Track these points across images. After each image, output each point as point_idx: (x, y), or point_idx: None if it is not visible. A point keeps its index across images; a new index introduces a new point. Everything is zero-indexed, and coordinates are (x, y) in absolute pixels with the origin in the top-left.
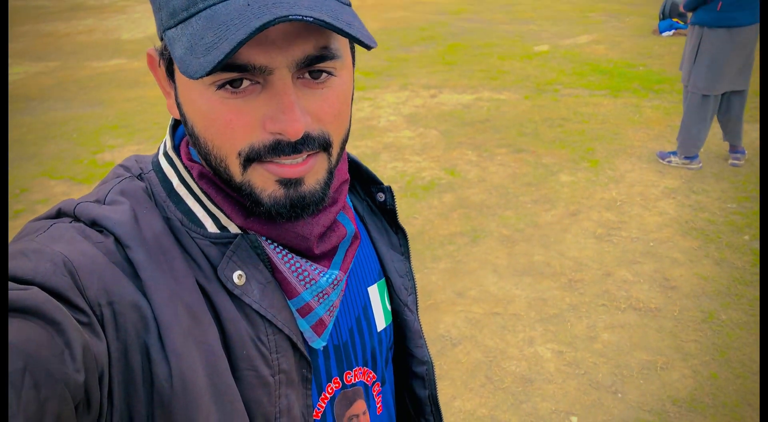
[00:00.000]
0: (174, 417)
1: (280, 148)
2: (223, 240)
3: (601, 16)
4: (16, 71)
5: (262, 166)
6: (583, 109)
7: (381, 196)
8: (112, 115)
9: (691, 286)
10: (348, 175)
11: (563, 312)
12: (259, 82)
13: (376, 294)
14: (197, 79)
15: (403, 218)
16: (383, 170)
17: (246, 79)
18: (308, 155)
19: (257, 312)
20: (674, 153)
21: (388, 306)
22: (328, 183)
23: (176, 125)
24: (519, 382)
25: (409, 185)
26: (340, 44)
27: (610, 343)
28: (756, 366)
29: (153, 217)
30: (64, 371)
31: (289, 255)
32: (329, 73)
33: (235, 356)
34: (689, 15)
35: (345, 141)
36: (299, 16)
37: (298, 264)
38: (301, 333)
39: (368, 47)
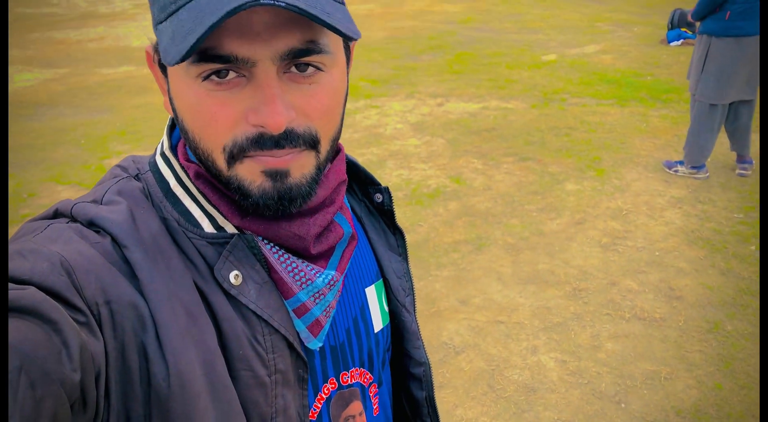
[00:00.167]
0: (171, 416)
1: (262, 142)
2: (220, 240)
3: (608, 26)
4: (26, 78)
5: (248, 158)
6: (590, 118)
7: (379, 197)
8: (121, 121)
9: (696, 296)
10: (346, 175)
11: (567, 321)
12: (245, 76)
13: (373, 295)
14: (174, 65)
15: (407, 225)
16: (389, 178)
17: (232, 70)
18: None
19: (253, 312)
20: (681, 162)
21: (386, 307)
22: (315, 179)
23: (173, 125)
24: (521, 391)
25: (414, 193)
26: (330, 40)
27: (614, 353)
28: None
29: (150, 217)
30: (60, 370)
31: (286, 256)
32: (317, 68)
33: (232, 356)
34: (697, 25)
35: (335, 139)
36: (271, 1)
37: (294, 265)
38: (298, 334)
39: (347, 37)
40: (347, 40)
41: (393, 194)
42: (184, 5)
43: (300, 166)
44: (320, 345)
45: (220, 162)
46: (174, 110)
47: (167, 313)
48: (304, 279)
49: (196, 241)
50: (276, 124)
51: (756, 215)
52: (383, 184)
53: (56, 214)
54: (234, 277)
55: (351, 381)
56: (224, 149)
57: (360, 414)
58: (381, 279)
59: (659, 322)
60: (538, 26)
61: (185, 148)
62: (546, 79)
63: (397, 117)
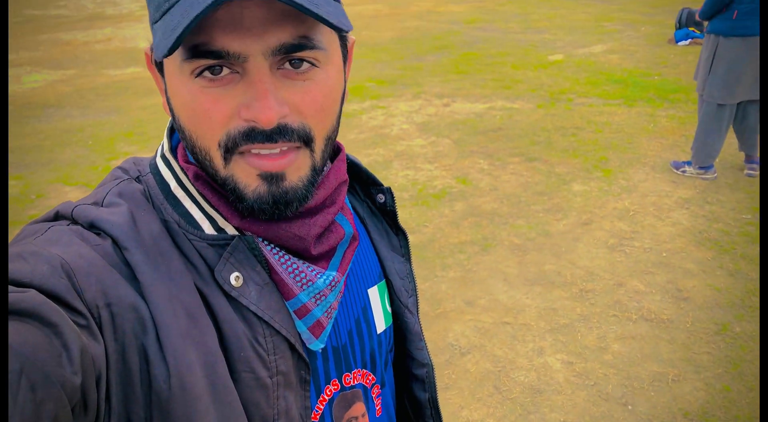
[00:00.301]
0: (172, 418)
1: (253, 135)
2: (220, 241)
3: (616, 26)
4: (34, 79)
5: (243, 158)
6: (597, 118)
7: (381, 198)
8: (128, 122)
9: (704, 298)
10: (347, 175)
11: (574, 322)
12: (238, 72)
13: (376, 296)
14: (162, 58)
15: (413, 226)
16: (395, 178)
17: (225, 66)
18: (288, 149)
19: (254, 314)
20: (689, 163)
21: (389, 308)
22: (312, 181)
23: (173, 128)
24: (528, 393)
25: (420, 193)
26: (324, 37)
27: (620, 354)
28: None
29: (151, 219)
30: (61, 373)
31: (286, 257)
32: (311, 64)
33: (233, 358)
34: (705, 24)
35: (330, 138)
36: None
37: (295, 266)
38: (299, 335)
39: (337, 29)
40: (338, 31)
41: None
42: (176, 2)
43: (296, 168)
44: (322, 346)
45: (217, 159)
46: (171, 110)
47: (168, 315)
48: (305, 280)
49: (196, 243)
50: (267, 119)
51: None
52: (388, 185)
53: (57, 217)
54: (235, 279)
55: (353, 382)
56: (219, 145)
57: (363, 416)
58: (384, 280)
59: (666, 324)
60: (544, 26)
61: (185, 149)
62: (552, 78)
63: (403, 117)
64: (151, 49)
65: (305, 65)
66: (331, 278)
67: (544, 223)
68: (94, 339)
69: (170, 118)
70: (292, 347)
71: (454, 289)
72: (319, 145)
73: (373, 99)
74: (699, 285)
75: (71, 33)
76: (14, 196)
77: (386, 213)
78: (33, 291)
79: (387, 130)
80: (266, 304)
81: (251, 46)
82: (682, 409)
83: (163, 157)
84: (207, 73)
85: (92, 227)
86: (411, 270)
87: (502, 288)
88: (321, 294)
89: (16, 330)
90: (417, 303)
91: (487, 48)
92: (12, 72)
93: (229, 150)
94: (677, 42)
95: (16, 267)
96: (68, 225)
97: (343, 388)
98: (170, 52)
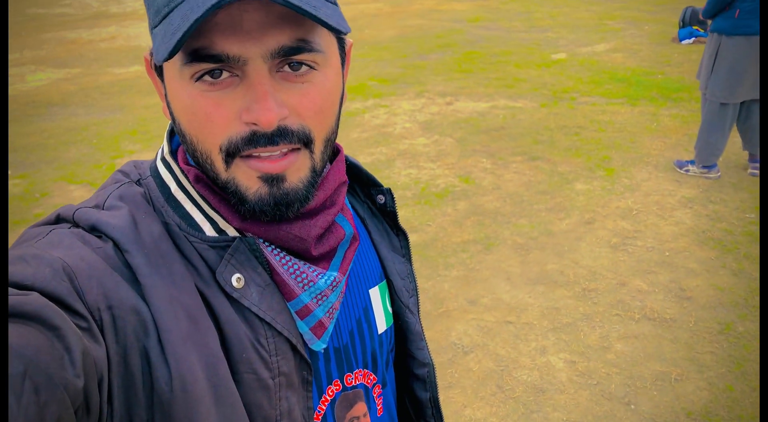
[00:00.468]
0: (174, 420)
1: (255, 140)
2: (222, 243)
3: (619, 24)
4: (39, 78)
5: (244, 161)
6: (600, 117)
7: (381, 199)
8: (132, 120)
9: (707, 297)
10: (346, 176)
11: (576, 321)
12: (237, 75)
13: (377, 297)
14: (162, 62)
15: (416, 225)
16: (397, 177)
17: (225, 70)
18: (289, 151)
19: (256, 315)
20: (692, 162)
21: (389, 309)
22: (312, 182)
23: (173, 131)
24: (530, 392)
25: (423, 192)
26: (323, 40)
27: (623, 354)
28: None
29: (152, 222)
30: (63, 376)
31: (287, 258)
32: (310, 67)
33: (235, 359)
34: (709, 22)
35: (329, 140)
36: None
37: (296, 266)
38: (301, 336)
39: (335, 30)
40: (336, 34)
41: (401, 193)
42: (176, 7)
43: (296, 169)
44: (324, 346)
45: (218, 163)
46: (171, 114)
47: (169, 317)
48: (306, 281)
49: (197, 245)
50: (268, 120)
51: None
52: (391, 183)
53: (58, 220)
54: (236, 280)
55: (355, 382)
56: (221, 149)
57: (364, 416)
58: (384, 281)
59: (669, 323)
60: (547, 24)
61: (185, 152)
62: (555, 77)
63: (405, 116)
64: (151, 54)
65: (304, 68)
66: (332, 278)
67: (547, 222)
68: (96, 341)
69: (169, 123)
70: (293, 348)
71: (456, 288)
72: (318, 146)
73: (375, 98)
74: (702, 284)
75: (76, 31)
76: (18, 194)
77: (386, 214)
78: (35, 294)
79: (390, 129)
80: (268, 305)
81: (251, 49)
82: (685, 409)
83: (164, 159)
84: (207, 77)
85: (93, 230)
86: (412, 271)
87: (505, 287)
88: (322, 294)
89: (19, 333)
90: (418, 303)
91: (490, 46)
92: (16, 70)
93: (231, 154)
94: (681, 40)
95: (18, 270)
96: (70, 228)
97: (344, 388)
98: (170, 56)
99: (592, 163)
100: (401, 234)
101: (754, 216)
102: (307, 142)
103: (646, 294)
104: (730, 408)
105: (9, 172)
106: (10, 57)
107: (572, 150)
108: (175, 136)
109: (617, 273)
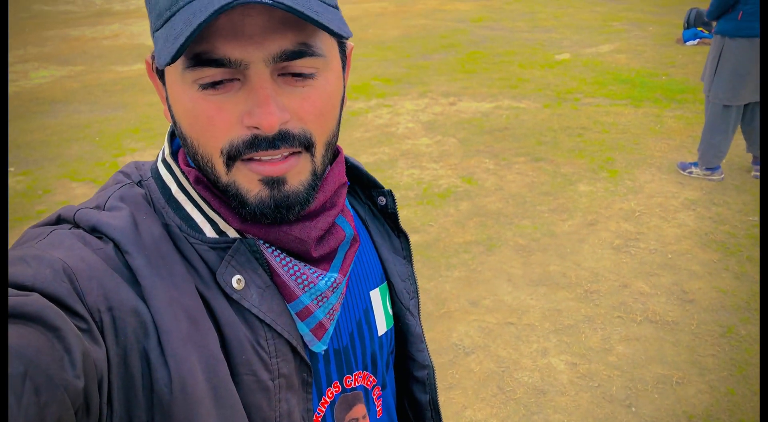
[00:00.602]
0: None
1: (257, 143)
2: (222, 245)
3: (623, 25)
4: (42, 75)
5: (245, 164)
6: (604, 119)
7: (382, 200)
8: (134, 118)
9: (709, 300)
10: (346, 178)
11: (578, 323)
12: (239, 79)
13: (377, 298)
14: (165, 66)
15: (418, 225)
16: (400, 177)
17: (226, 81)
18: (290, 154)
19: (256, 317)
20: (695, 164)
21: (390, 310)
22: (312, 185)
23: (174, 133)
24: (531, 393)
25: (425, 193)
26: (324, 44)
27: (625, 356)
28: None
29: (152, 223)
30: (63, 377)
31: (288, 259)
32: (310, 73)
33: (235, 361)
34: (714, 24)
35: (330, 143)
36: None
37: (296, 268)
38: (301, 337)
39: (336, 35)
40: (338, 38)
41: (404, 194)
42: (178, 11)
43: (297, 172)
44: (324, 348)
45: (219, 166)
46: (172, 117)
47: (169, 319)
48: (306, 283)
49: (198, 246)
50: (269, 124)
51: None
52: (393, 184)
53: (59, 220)
54: (236, 282)
55: (355, 384)
56: (222, 152)
57: (363, 417)
58: (385, 282)
59: (671, 326)
60: (551, 25)
61: (185, 154)
62: (559, 78)
63: (408, 116)
64: (152, 57)
65: (305, 72)
66: (332, 280)
67: (550, 224)
68: (96, 343)
69: (170, 125)
70: (293, 350)
71: (458, 289)
72: (319, 150)
73: (378, 97)
74: (704, 287)
75: (79, 29)
76: (21, 191)
77: (387, 216)
78: (36, 295)
79: (393, 129)
80: (268, 307)
81: (252, 54)
82: (686, 412)
83: (164, 161)
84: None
85: (94, 231)
86: (412, 273)
87: (507, 288)
88: (323, 295)
89: (20, 334)
90: (418, 305)
91: (493, 47)
92: (19, 67)
93: (232, 157)
94: (685, 42)
95: (18, 271)
96: (70, 228)
97: (344, 390)
98: (173, 60)
99: (595, 165)
100: (402, 235)
101: (757, 218)
102: (308, 146)
103: (648, 297)
104: (732, 412)
105: (12, 169)
106: (14, 54)
107: (575, 151)
108: (175, 137)
109: (619, 275)
